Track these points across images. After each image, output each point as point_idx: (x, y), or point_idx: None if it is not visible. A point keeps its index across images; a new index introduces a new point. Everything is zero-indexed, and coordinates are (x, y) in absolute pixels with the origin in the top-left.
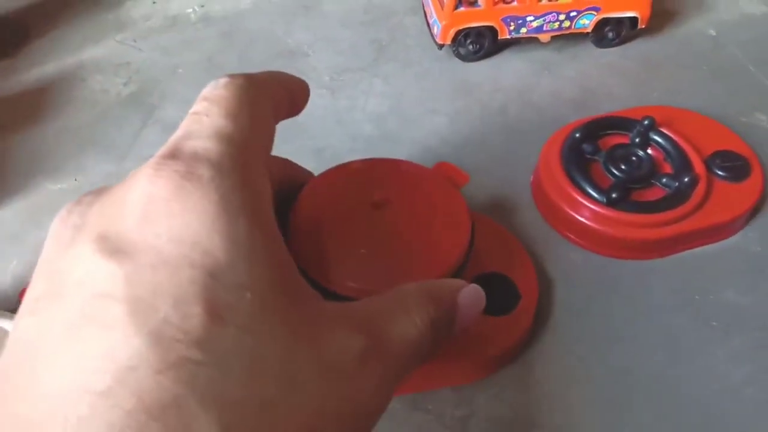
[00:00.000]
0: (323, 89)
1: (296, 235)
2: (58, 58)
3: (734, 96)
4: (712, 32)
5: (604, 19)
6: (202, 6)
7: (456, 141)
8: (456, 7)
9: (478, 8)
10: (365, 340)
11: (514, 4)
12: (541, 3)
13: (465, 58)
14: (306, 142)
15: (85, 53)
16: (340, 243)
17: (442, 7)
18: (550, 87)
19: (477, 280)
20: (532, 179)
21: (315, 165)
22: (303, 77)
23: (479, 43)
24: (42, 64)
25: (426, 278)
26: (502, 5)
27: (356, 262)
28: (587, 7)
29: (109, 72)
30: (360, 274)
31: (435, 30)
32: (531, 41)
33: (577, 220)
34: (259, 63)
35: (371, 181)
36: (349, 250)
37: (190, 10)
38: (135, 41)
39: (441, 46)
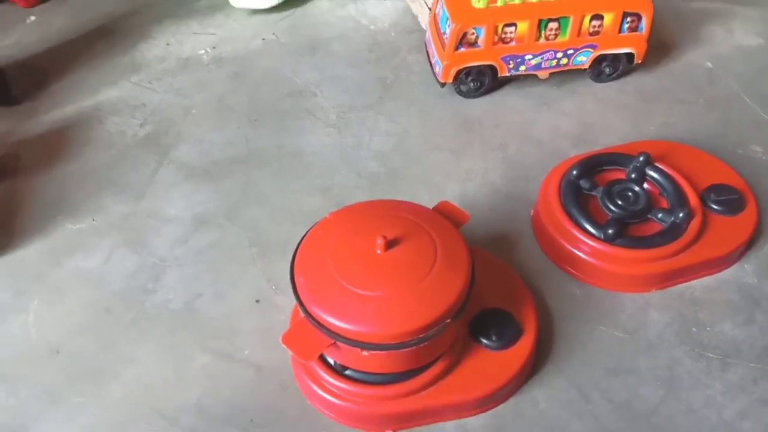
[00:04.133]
0: (330, 128)
1: (301, 280)
2: (76, 100)
3: (730, 128)
4: (709, 65)
5: (601, 55)
6: (214, 47)
7: (458, 176)
8: (456, 48)
9: (478, 48)
10: None
11: (513, 44)
12: (539, 42)
13: (466, 95)
14: (313, 181)
15: (101, 95)
16: (345, 285)
17: (443, 48)
18: (549, 122)
19: (479, 316)
20: (532, 214)
21: (323, 203)
22: (310, 116)
23: (480, 81)
24: (61, 107)
25: (430, 317)
26: (501, 45)
27: (363, 304)
28: (584, 45)
29: (125, 113)
30: (366, 315)
31: (437, 69)
32: (530, 77)
33: (576, 255)
34: (268, 103)
35: (375, 224)
36: (354, 292)
37: (203, 51)
38: (150, 83)
39: (443, 84)
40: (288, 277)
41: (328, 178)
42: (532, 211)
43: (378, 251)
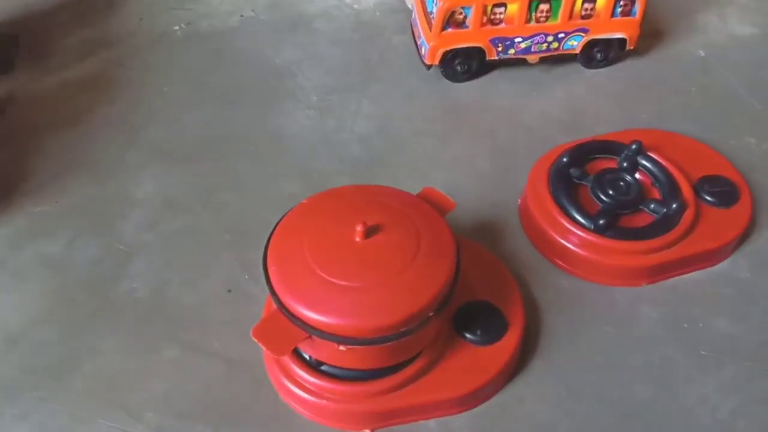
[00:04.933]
0: (311, 110)
1: (275, 265)
2: (42, 76)
3: (724, 118)
4: (702, 53)
5: (592, 40)
6: (189, 24)
7: (444, 163)
8: (444, 28)
9: (466, 29)
10: None
11: (502, 25)
12: (529, 24)
13: (453, 79)
14: (292, 164)
15: (68, 71)
16: (321, 274)
17: (430, 28)
18: (539, 108)
19: (464, 308)
20: (520, 203)
21: (301, 189)
22: (291, 97)
23: (467, 64)
24: (25, 82)
25: (412, 310)
26: (490, 26)
27: (340, 295)
28: (575, 28)
29: (93, 90)
30: (343, 307)
31: (423, 50)
32: (519, 62)
33: (565, 246)
34: (247, 82)
35: (355, 209)
36: (331, 282)
37: (177, 27)
38: (121, 59)
39: (429, 67)
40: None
41: (308, 163)
42: (519, 199)
43: (357, 239)
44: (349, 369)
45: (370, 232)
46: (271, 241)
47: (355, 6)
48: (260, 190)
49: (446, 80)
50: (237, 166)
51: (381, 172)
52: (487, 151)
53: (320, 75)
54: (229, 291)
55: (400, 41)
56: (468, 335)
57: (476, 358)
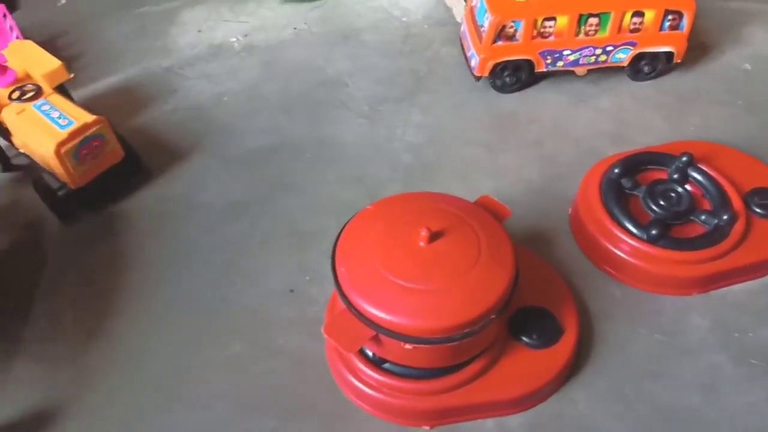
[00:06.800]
0: (363, 119)
1: (343, 270)
2: (107, 84)
3: None
4: (747, 66)
5: (640, 53)
6: (246, 35)
7: (493, 172)
8: (494, 41)
9: (516, 42)
10: None
11: (552, 38)
12: (578, 38)
13: (501, 90)
14: (346, 171)
15: (132, 80)
16: (389, 277)
17: (480, 41)
18: (586, 119)
19: (519, 313)
20: (570, 212)
21: (355, 194)
22: (343, 106)
23: (516, 76)
24: (91, 90)
25: (475, 312)
26: (539, 39)
27: (407, 296)
28: (623, 42)
29: (157, 99)
30: (410, 308)
31: (473, 62)
32: (567, 73)
33: (617, 255)
34: (300, 92)
35: (418, 215)
36: (398, 284)
37: (234, 39)
38: (182, 69)
39: (478, 78)
40: (325, 267)
41: (361, 170)
42: (570, 209)
43: (421, 243)
44: (411, 367)
45: (433, 237)
46: (339, 244)
47: (404, 19)
48: (316, 195)
49: (494, 91)
50: (294, 172)
51: (431, 180)
52: (535, 161)
53: (371, 85)
54: (292, 291)
55: (448, 53)
56: (524, 339)
57: (532, 362)
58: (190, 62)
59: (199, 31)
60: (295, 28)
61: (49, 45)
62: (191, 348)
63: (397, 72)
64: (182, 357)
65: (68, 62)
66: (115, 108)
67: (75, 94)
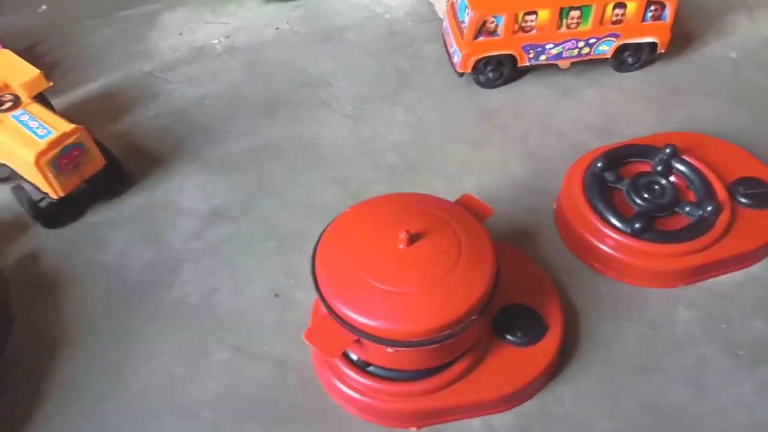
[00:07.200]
0: (346, 118)
1: (324, 272)
2: (89, 89)
3: (756, 120)
4: (733, 55)
5: (623, 45)
6: (227, 37)
7: (478, 168)
8: (476, 37)
9: (497, 37)
10: None
11: (534, 32)
12: (560, 31)
13: (485, 85)
14: (328, 172)
15: (114, 84)
16: (368, 280)
17: (462, 37)
18: (571, 112)
19: (503, 311)
20: (555, 207)
21: (339, 196)
22: (326, 106)
23: (499, 71)
24: (72, 93)
25: (457, 314)
26: (521, 34)
27: (388, 300)
28: (606, 34)
29: (139, 103)
30: (391, 312)
31: (455, 59)
32: (550, 66)
33: (602, 249)
34: (283, 93)
35: (397, 218)
36: (378, 287)
37: (216, 41)
38: (163, 72)
39: (461, 74)
40: (307, 271)
41: (345, 170)
42: (555, 204)
43: (401, 246)
44: (395, 369)
45: (413, 239)
46: (318, 249)
47: (387, 16)
48: (300, 198)
49: (477, 87)
50: (276, 174)
51: (416, 179)
52: (520, 156)
53: (354, 85)
54: (276, 296)
55: (431, 49)
56: (509, 337)
57: (517, 360)
58: (172, 66)
59: (181, 33)
60: (276, 28)
61: (29, 52)
62: (177, 356)
63: (381, 70)
64: (168, 365)
65: (49, 69)
66: (97, 114)
67: (56, 101)
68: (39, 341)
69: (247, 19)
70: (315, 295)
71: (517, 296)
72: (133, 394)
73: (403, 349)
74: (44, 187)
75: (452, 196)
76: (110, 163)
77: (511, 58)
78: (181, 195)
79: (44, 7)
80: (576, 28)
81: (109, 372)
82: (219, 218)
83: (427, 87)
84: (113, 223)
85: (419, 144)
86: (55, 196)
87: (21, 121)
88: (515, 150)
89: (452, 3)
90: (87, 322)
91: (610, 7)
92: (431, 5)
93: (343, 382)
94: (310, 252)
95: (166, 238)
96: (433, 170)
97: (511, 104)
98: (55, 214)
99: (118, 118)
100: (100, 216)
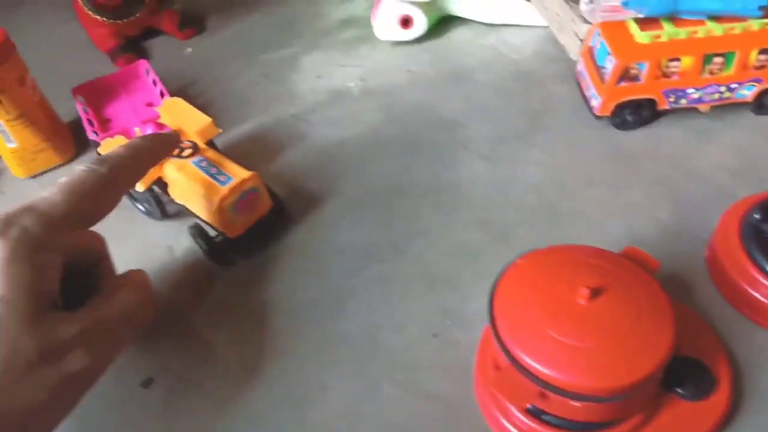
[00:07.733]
0: (483, 159)
1: (505, 322)
2: (241, 132)
3: None
4: None
5: (765, 89)
6: (363, 79)
7: (620, 212)
8: (617, 82)
9: (639, 83)
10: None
11: (676, 77)
12: (702, 76)
13: (621, 127)
14: (471, 213)
15: (263, 127)
16: (553, 334)
17: (602, 81)
18: (710, 156)
19: (672, 364)
20: (707, 255)
21: (485, 237)
22: (462, 147)
23: (638, 114)
24: (225, 136)
25: (646, 371)
26: (663, 79)
27: (574, 355)
28: (749, 79)
29: (288, 146)
30: (579, 367)
31: (594, 102)
32: (688, 109)
33: (764, 303)
34: (420, 134)
35: (571, 272)
36: (564, 342)
37: (353, 83)
38: (306, 115)
39: (599, 117)
40: (464, 311)
41: (487, 212)
42: (706, 252)
43: (582, 301)
44: (574, 420)
45: (593, 294)
46: (495, 299)
47: (514, 56)
48: (446, 238)
49: (612, 128)
50: (422, 214)
51: (559, 222)
52: (662, 200)
53: (488, 125)
54: (435, 336)
55: (562, 90)
56: (680, 391)
57: (687, 415)
58: (314, 108)
59: (318, 76)
60: (408, 70)
61: (182, 94)
62: (347, 389)
63: (513, 110)
64: (340, 398)
65: (203, 111)
66: (251, 154)
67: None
68: (220, 368)
69: (380, 61)
70: (473, 337)
71: (684, 348)
72: (309, 427)
73: (589, 403)
74: (221, 227)
75: (599, 241)
76: (274, 203)
77: (652, 102)
78: (337, 233)
79: (189, 49)
80: (719, 73)
81: (283, 401)
82: (373, 256)
83: (561, 128)
84: (279, 259)
85: (557, 186)
86: (231, 236)
87: (201, 167)
88: (656, 194)
89: (589, 47)
90: (266, 353)
91: (754, 53)
92: (558, 44)
93: (516, 427)
94: (462, 294)
95: (327, 275)
96: (575, 213)
97: (648, 146)
98: (228, 253)
99: (272, 158)
100: (267, 254)
